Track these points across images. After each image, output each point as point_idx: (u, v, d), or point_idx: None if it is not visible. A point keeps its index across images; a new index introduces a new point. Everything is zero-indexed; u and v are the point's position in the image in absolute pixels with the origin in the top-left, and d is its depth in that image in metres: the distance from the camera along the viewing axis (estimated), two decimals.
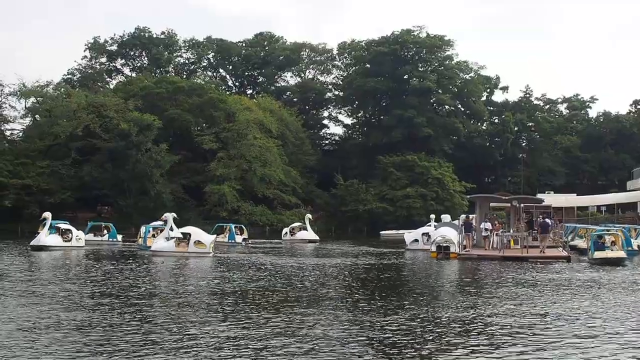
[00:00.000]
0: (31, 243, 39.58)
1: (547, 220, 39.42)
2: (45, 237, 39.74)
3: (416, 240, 44.95)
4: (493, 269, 29.08)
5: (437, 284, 24.61)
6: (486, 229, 37.53)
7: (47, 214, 40.46)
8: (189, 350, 12.23)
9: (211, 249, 36.70)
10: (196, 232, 38.17)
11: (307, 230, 58.25)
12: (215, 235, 41.37)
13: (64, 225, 43.04)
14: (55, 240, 40.57)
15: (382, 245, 51.29)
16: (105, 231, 51.56)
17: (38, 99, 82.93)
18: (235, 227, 54.55)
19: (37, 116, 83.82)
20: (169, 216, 39.02)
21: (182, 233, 38.46)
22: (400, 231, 70.69)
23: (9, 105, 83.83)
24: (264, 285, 22.30)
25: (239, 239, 52.35)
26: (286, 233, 59.18)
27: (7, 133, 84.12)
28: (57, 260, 32.73)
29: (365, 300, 18.79)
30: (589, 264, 32.27)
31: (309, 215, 60.14)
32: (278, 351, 12.12)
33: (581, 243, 43.17)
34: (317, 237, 57.05)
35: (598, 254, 32.76)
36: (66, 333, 13.71)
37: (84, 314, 15.90)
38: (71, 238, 41.68)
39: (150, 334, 13.57)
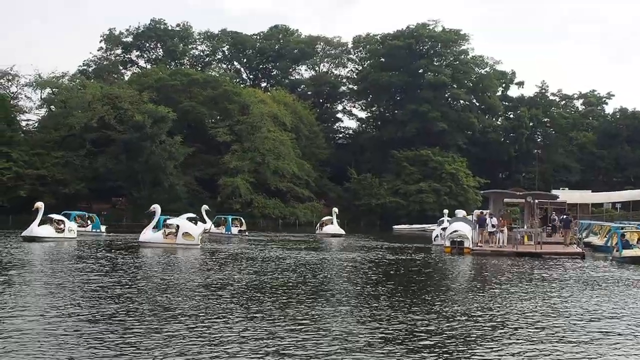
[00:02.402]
0: (23, 234, 38.75)
1: (564, 216, 39.24)
2: (37, 227, 38.74)
3: (437, 236, 44.77)
4: (513, 265, 28.82)
5: (461, 281, 24.31)
6: (493, 225, 37.26)
7: (40, 204, 39.46)
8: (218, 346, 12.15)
9: (199, 241, 36.71)
10: (184, 224, 38.21)
11: (332, 224, 56.63)
12: (203, 228, 41.26)
13: (57, 216, 41.94)
14: (47, 231, 39.33)
15: (403, 240, 49.97)
16: (89, 222, 50.48)
17: (53, 89, 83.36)
18: (233, 219, 54.84)
19: (52, 107, 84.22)
20: (157, 208, 38.72)
21: (169, 224, 38.31)
22: (413, 225, 70.91)
23: (25, 96, 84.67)
24: (273, 279, 22.23)
25: (235, 231, 52.57)
26: (318, 227, 58.61)
27: (23, 123, 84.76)
28: (57, 251, 32.53)
29: (385, 296, 18.60)
30: (618, 262, 31.45)
31: (335, 209, 58.15)
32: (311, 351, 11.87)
33: (595, 240, 42.93)
34: (342, 232, 55.23)
35: (626, 252, 31.97)
36: (88, 325, 13.67)
37: (105, 305, 15.87)
38: (64, 229, 40.66)
39: (176, 330, 13.32)
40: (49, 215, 41.14)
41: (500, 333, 13.69)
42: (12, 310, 14.80)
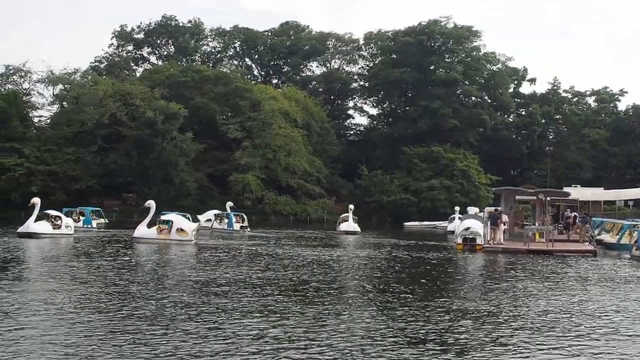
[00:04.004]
0: (18, 230, 37.61)
1: (581, 215, 39.12)
2: (33, 223, 37.77)
3: (452, 232, 44.51)
4: (528, 263, 28.53)
5: (480, 279, 24.12)
6: (504, 223, 37.09)
7: (36, 200, 38.42)
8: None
9: (193, 237, 36.55)
10: (178, 220, 38.12)
11: (347, 221, 54.90)
12: (197, 223, 41.15)
13: (53, 212, 41.14)
14: (43, 227, 38.31)
15: (415, 237, 49.42)
16: (80, 217, 50.01)
17: (65, 86, 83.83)
18: (235, 215, 55.14)
19: (64, 103, 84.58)
20: (152, 203, 38.61)
21: (164, 220, 38.23)
22: (424, 223, 70.75)
23: (37, 92, 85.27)
24: (291, 277, 22.18)
25: (237, 227, 52.82)
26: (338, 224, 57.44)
27: (35, 120, 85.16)
28: (56, 247, 32.29)
29: (406, 294, 18.36)
30: (637, 260, 30.94)
31: (351, 206, 56.36)
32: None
33: (608, 237, 42.68)
34: (358, 229, 53.66)
35: None
36: (100, 321, 13.66)
37: (125, 303, 15.81)
38: (60, 225, 39.60)
39: (194, 329, 13.21)
40: (45, 211, 40.33)
41: (528, 334, 13.44)
42: (28, 310, 14.64)
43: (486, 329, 13.80)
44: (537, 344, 12.42)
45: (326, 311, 15.18)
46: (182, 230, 36.80)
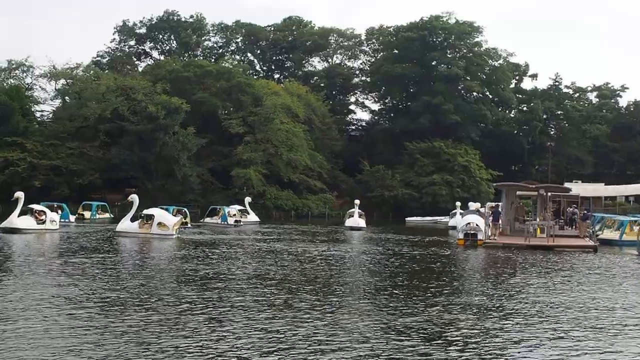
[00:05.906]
0: (1, 225, 36.85)
1: (582, 211, 39.28)
2: (16, 218, 37.12)
3: (453, 227, 44.64)
4: (530, 258, 28.68)
5: (490, 274, 24.21)
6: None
7: (20, 194, 38.06)
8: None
9: (174, 231, 36.62)
10: (160, 214, 38.30)
11: (352, 217, 54.00)
12: (179, 218, 41.22)
13: (37, 207, 40.13)
14: (28, 222, 37.72)
15: (418, 232, 49.26)
16: (59, 211, 48.64)
17: (68, 81, 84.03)
18: (229, 210, 55.58)
19: (66, 98, 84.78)
20: (135, 198, 38.94)
21: (145, 215, 38.22)
22: (426, 218, 70.95)
23: (40, 87, 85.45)
24: (277, 272, 22.31)
25: (231, 221, 53.24)
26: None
27: (38, 114, 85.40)
28: (46, 243, 32.06)
29: (414, 291, 18.41)
30: None
31: (357, 201, 55.70)
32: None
33: (610, 233, 42.79)
34: (363, 225, 52.75)
35: None
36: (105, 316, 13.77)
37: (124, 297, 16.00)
38: (44, 220, 38.77)
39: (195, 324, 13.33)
40: (30, 206, 39.60)
41: (541, 328, 13.58)
42: (21, 307, 14.60)
43: (496, 326, 13.82)
44: (553, 340, 12.54)
45: (335, 309, 15.19)
46: (162, 224, 36.94)
